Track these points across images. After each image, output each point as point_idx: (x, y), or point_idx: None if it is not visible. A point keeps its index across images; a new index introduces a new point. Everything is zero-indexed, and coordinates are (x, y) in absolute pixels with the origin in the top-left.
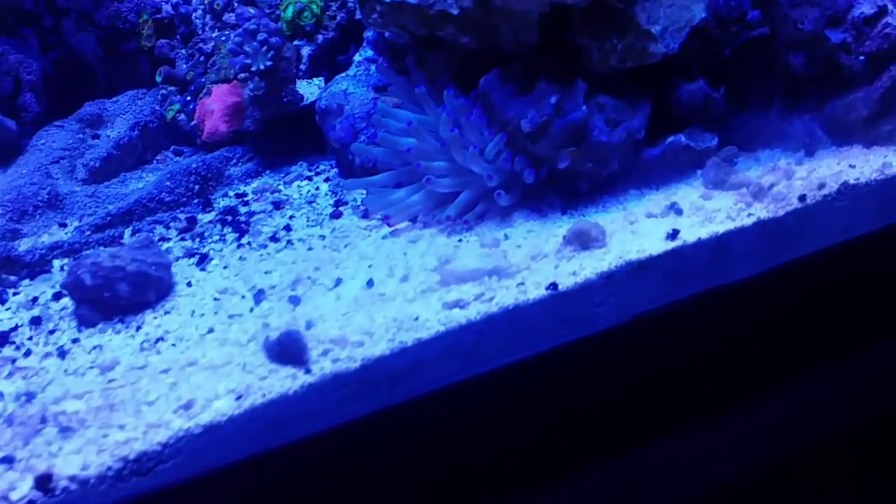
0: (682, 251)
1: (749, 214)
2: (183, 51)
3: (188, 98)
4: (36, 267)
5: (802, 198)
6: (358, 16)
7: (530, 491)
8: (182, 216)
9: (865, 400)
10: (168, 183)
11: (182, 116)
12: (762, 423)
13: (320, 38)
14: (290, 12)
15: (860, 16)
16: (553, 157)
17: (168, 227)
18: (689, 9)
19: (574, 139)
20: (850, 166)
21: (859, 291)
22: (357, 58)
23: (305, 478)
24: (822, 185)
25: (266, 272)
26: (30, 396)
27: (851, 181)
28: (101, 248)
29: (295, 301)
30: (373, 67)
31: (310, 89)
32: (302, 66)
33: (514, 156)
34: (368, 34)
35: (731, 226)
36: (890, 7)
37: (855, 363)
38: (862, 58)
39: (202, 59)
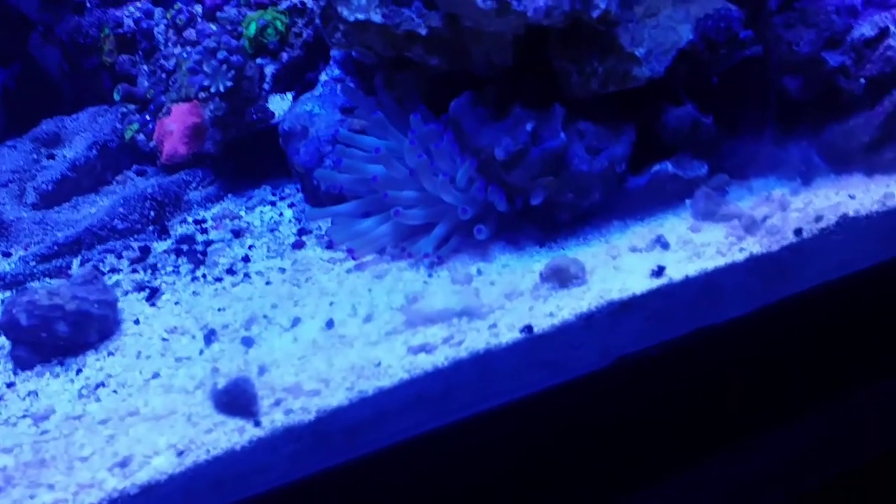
0: (669, 289)
1: (741, 249)
2: (145, 67)
3: (147, 117)
4: None
5: (798, 231)
6: None
7: None
8: (136, 245)
9: (864, 442)
10: (121, 209)
11: (141, 136)
12: (754, 472)
13: (285, 56)
14: (252, 29)
15: (860, 37)
16: (529, 186)
17: (120, 257)
18: (675, 30)
19: (552, 168)
20: (850, 196)
21: (859, 330)
22: (323, 77)
23: None
24: (819, 218)
25: (220, 309)
26: None
27: (851, 213)
28: (47, 279)
29: (248, 343)
30: (339, 87)
31: (283, 105)
32: (266, 86)
33: (488, 185)
34: (335, 52)
35: (721, 261)
36: (892, 28)
37: (854, 404)
38: (862, 81)
39: (164, 76)
